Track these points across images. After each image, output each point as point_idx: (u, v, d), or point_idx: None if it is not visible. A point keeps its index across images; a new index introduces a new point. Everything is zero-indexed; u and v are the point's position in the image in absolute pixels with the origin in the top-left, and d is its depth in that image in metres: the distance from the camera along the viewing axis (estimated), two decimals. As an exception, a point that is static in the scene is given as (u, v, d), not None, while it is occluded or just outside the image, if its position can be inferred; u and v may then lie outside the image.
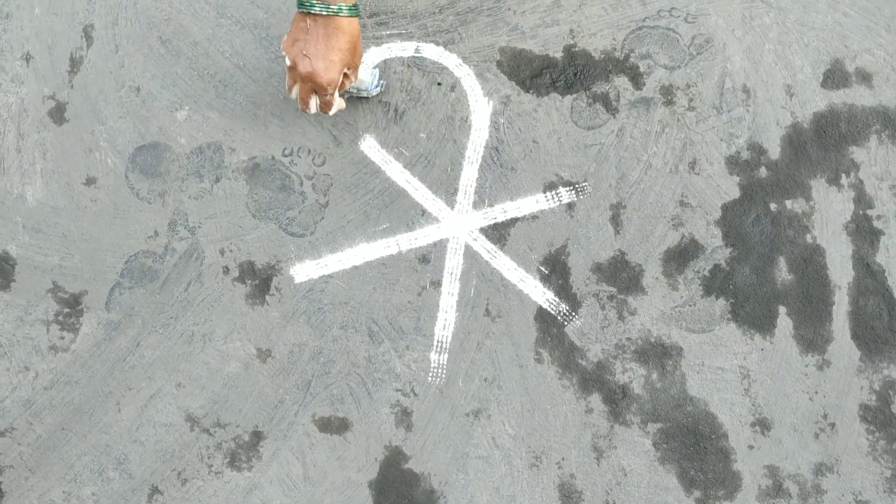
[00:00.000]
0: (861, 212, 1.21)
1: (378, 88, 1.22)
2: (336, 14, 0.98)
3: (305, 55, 1.00)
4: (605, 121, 1.24)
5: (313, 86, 1.02)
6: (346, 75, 1.06)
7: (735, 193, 1.22)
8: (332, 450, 1.10)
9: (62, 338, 1.14)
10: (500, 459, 1.10)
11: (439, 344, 1.15)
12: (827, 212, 1.21)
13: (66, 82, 1.25)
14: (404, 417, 1.12)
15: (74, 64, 1.26)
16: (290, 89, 1.04)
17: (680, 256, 1.19)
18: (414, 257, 1.18)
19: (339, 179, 1.21)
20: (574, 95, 1.25)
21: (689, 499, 1.09)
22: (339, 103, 1.08)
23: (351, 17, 0.99)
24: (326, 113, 1.06)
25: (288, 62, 1.02)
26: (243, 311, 1.16)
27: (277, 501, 1.09)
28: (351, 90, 1.19)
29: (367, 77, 1.19)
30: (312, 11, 0.98)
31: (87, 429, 1.11)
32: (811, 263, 1.19)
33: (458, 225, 1.20)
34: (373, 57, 1.24)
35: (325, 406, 1.12)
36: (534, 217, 1.20)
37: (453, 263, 1.19)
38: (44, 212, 1.20)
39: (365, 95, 1.21)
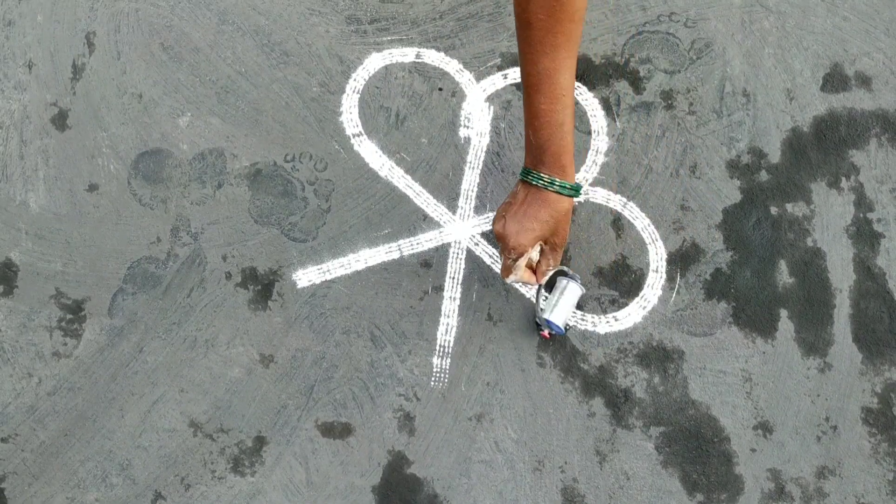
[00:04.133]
0: (861, 215, 1.21)
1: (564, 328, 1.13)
2: (546, 187, 0.98)
3: (503, 215, 1.01)
4: (606, 125, 1.25)
5: (502, 247, 1.02)
6: (543, 252, 1.04)
7: (736, 197, 1.22)
8: (335, 455, 1.10)
9: (65, 344, 1.15)
10: (503, 464, 1.11)
11: (441, 348, 1.15)
12: (827, 215, 1.21)
13: (69, 89, 1.25)
14: (407, 422, 1.12)
15: (77, 71, 1.26)
16: (501, 252, 1.04)
17: (681, 260, 1.19)
18: (416, 262, 1.19)
19: (341, 185, 1.22)
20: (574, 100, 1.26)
21: (692, 502, 1.09)
22: (521, 274, 1.04)
23: (561, 194, 0.98)
24: (505, 279, 1.05)
25: (493, 217, 1.05)
26: (246, 316, 1.16)
27: (281, 507, 1.10)
28: (541, 320, 1.13)
29: (560, 319, 1.11)
30: (526, 180, 1.00)
31: (90, 435, 1.11)
32: (812, 267, 1.19)
33: (459, 230, 1.20)
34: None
35: (327, 411, 1.12)
36: (535, 221, 1.21)
37: (455, 268, 1.19)
38: (46, 218, 1.20)
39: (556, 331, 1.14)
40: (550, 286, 1.13)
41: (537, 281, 1.07)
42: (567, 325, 1.14)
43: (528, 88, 0.95)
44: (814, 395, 1.14)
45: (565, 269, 1.13)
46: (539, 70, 0.93)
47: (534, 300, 1.14)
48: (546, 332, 1.14)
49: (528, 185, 0.99)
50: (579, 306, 1.17)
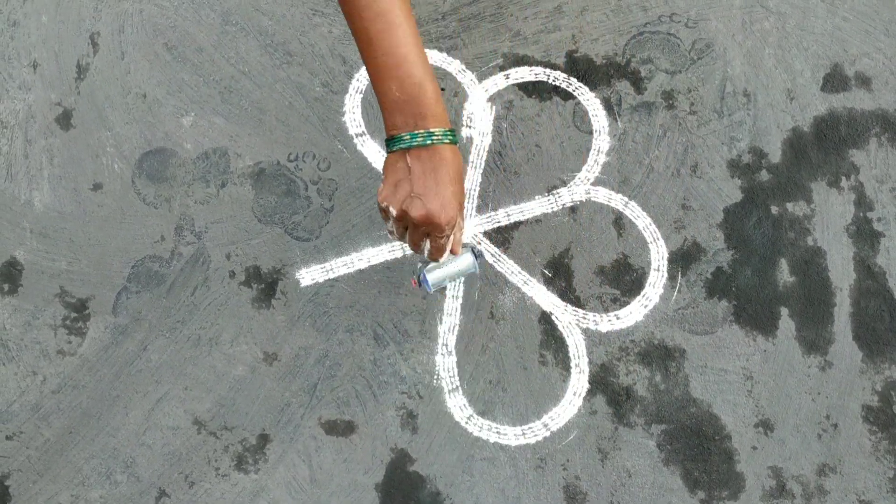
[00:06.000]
0: (861, 214, 1.22)
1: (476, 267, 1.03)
2: (440, 142, 0.83)
3: (415, 196, 0.84)
4: (607, 125, 1.26)
5: (428, 229, 0.86)
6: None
7: (737, 196, 1.23)
8: (338, 452, 1.11)
9: (69, 342, 1.15)
10: (506, 461, 1.11)
11: (444, 347, 1.16)
12: (828, 214, 1.22)
13: (73, 89, 1.26)
14: (410, 420, 1.12)
15: (81, 71, 1.27)
16: (400, 237, 0.90)
17: (682, 259, 1.20)
18: (419, 261, 1.19)
19: (344, 184, 1.22)
20: (576, 100, 1.27)
21: (694, 499, 1.10)
22: (457, 241, 0.92)
23: (453, 143, 0.85)
24: (436, 260, 0.91)
25: (394, 212, 0.86)
26: (249, 314, 1.16)
27: (284, 504, 1.10)
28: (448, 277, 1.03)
29: (435, 279, 1.02)
30: (413, 145, 0.83)
31: (94, 432, 1.12)
32: (812, 265, 1.20)
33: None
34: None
35: (331, 409, 1.13)
36: (537, 220, 1.21)
37: (457, 267, 1.19)
38: (51, 217, 1.21)
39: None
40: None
41: (454, 251, 0.93)
42: (442, 287, 1.03)
43: (375, 37, 0.82)
44: (814, 394, 1.15)
45: (474, 244, 1.05)
46: (381, 9, 0.81)
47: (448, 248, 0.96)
48: (415, 280, 1.02)
49: (418, 150, 0.84)
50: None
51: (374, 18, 0.82)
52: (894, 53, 1.28)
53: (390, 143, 0.85)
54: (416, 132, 0.83)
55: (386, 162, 0.86)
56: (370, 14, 0.82)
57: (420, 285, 1.02)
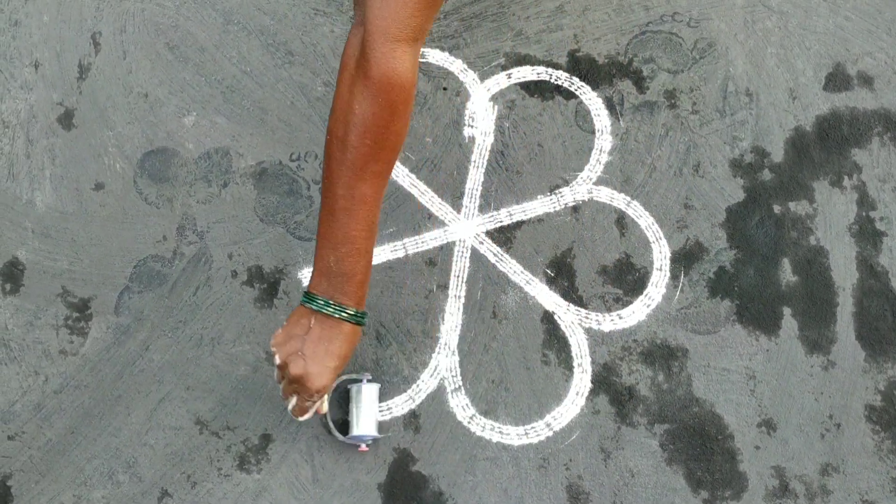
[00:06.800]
0: (864, 213, 1.22)
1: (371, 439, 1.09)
2: (346, 320, 0.90)
3: (301, 356, 0.90)
4: (609, 124, 1.26)
5: (299, 389, 0.92)
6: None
7: (739, 196, 1.23)
8: (340, 452, 1.11)
9: (71, 342, 1.15)
10: (508, 461, 1.11)
11: (446, 346, 1.16)
12: (830, 214, 1.22)
13: (75, 89, 1.26)
14: (412, 420, 1.12)
15: (83, 70, 1.27)
16: (278, 380, 0.95)
17: (685, 258, 1.20)
18: (421, 261, 1.19)
19: (346, 184, 1.22)
20: (578, 99, 1.27)
21: (697, 499, 1.10)
22: (321, 406, 0.98)
23: (358, 324, 0.91)
24: (296, 418, 0.96)
25: (277, 360, 0.92)
26: (252, 314, 1.16)
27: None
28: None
29: (371, 427, 1.07)
30: (324, 311, 0.89)
31: (96, 432, 1.12)
32: (815, 265, 1.20)
33: (464, 228, 1.21)
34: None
35: (333, 408, 1.13)
36: (539, 220, 1.21)
37: (460, 266, 1.19)
38: (53, 217, 1.20)
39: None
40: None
41: (320, 412, 0.99)
42: (379, 423, 1.09)
43: (337, 213, 0.87)
44: (817, 393, 1.15)
45: (347, 375, 1.10)
46: (355, 196, 0.86)
47: (326, 427, 1.09)
48: (364, 447, 1.08)
49: (322, 317, 0.90)
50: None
51: (346, 196, 0.86)
52: (897, 53, 1.28)
53: (306, 297, 0.91)
54: (331, 302, 0.89)
55: (294, 312, 0.93)
56: (343, 191, 0.86)
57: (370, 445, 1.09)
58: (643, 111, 1.26)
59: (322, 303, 0.90)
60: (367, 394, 1.07)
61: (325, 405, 1.00)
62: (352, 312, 0.90)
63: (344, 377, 1.10)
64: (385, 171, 0.88)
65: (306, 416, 0.95)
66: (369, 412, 1.07)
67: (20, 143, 1.24)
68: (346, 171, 0.85)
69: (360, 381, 1.09)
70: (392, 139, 0.85)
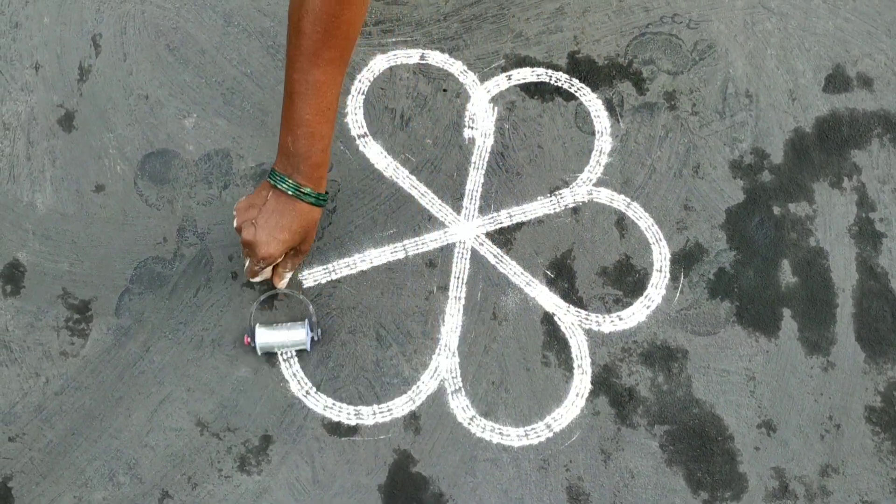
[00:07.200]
0: (864, 215, 1.22)
1: (309, 341, 1.12)
2: (300, 198, 0.99)
3: (253, 224, 1.00)
4: (609, 125, 1.26)
5: (250, 252, 1.03)
6: (287, 255, 1.06)
7: (739, 197, 1.23)
8: (341, 453, 1.11)
9: (72, 343, 1.15)
10: (509, 462, 1.11)
11: (446, 348, 1.16)
12: (830, 215, 1.22)
13: (75, 90, 1.26)
14: (412, 421, 1.12)
15: (83, 72, 1.27)
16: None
17: (685, 260, 1.20)
18: (421, 262, 1.19)
19: (346, 185, 1.22)
20: (578, 101, 1.27)
21: (697, 500, 1.10)
22: (278, 281, 1.10)
23: (315, 205, 1.01)
24: (249, 279, 1.07)
25: (235, 223, 1.03)
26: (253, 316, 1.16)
27: (287, 505, 1.10)
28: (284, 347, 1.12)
29: (301, 335, 1.10)
30: (279, 187, 0.99)
31: (97, 434, 1.12)
32: (815, 266, 1.20)
33: (464, 230, 1.21)
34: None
35: (334, 410, 1.13)
36: (539, 221, 1.21)
37: (460, 268, 1.19)
38: (53, 219, 1.21)
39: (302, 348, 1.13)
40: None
41: (276, 284, 1.09)
42: (268, 351, 1.12)
43: (294, 96, 0.95)
44: (817, 394, 1.15)
45: (313, 320, 1.12)
46: (308, 80, 0.93)
47: (254, 304, 1.12)
48: (248, 339, 1.11)
49: (278, 192, 0.99)
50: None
51: (301, 81, 0.93)
52: (896, 54, 1.28)
53: (271, 173, 1.00)
54: (288, 179, 0.99)
55: (260, 185, 1.03)
56: (298, 76, 0.93)
57: (251, 344, 1.11)
58: (643, 113, 1.26)
59: (278, 178, 0.99)
60: (294, 334, 1.10)
61: (283, 281, 1.10)
62: (305, 192, 0.99)
63: (310, 313, 1.11)
64: (338, 59, 0.93)
65: (257, 279, 1.08)
66: (279, 337, 1.10)
67: (21, 145, 1.24)
68: (301, 57, 0.92)
69: (310, 326, 1.11)
70: (343, 28, 0.90)
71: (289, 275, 1.11)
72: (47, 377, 1.14)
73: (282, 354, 1.14)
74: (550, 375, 1.15)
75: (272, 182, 1.00)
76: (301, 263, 1.14)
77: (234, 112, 1.26)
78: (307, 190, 0.99)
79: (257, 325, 1.11)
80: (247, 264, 1.06)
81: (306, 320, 1.12)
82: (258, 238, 1.00)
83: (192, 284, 1.18)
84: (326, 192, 1.02)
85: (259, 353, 1.11)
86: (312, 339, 1.12)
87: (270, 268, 1.08)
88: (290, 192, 0.99)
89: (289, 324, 1.11)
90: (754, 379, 1.15)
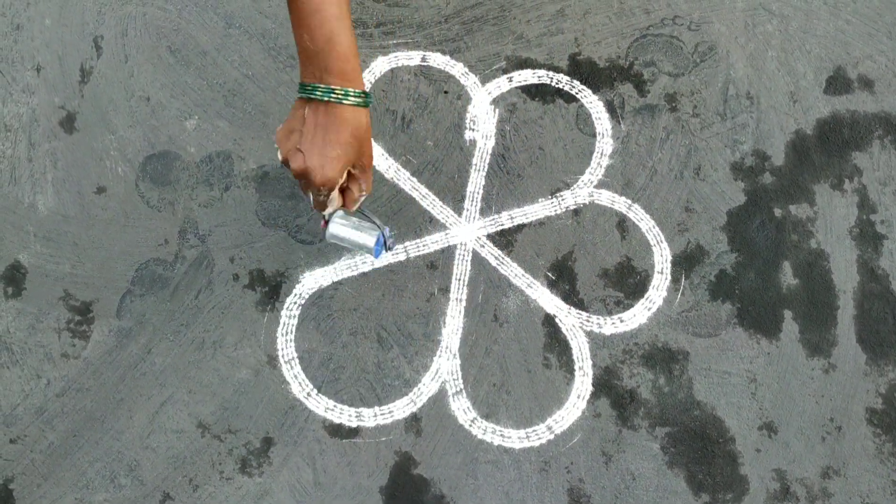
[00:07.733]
0: (864, 216, 1.22)
1: (384, 252, 1.02)
2: (339, 101, 0.83)
3: (299, 149, 0.84)
4: (610, 127, 1.26)
5: (306, 184, 0.87)
6: (351, 175, 0.91)
7: (740, 199, 1.23)
8: (342, 455, 1.11)
9: (73, 345, 1.15)
10: (510, 464, 1.11)
11: (448, 349, 1.16)
12: (831, 217, 1.22)
13: (77, 92, 1.26)
14: (414, 423, 1.12)
15: (84, 74, 1.27)
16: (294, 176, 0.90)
17: (686, 261, 1.20)
18: (422, 264, 1.19)
19: (348, 187, 1.22)
20: (579, 103, 1.27)
21: (698, 502, 1.10)
22: (335, 203, 0.92)
23: (357, 105, 0.84)
24: (321, 211, 0.92)
25: (280, 157, 0.87)
26: (253, 317, 1.17)
27: (288, 507, 1.10)
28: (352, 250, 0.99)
29: (370, 242, 0.99)
30: (313, 97, 0.83)
31: (98, 436, 1.12)
32: (816, 268, 1.20)
33: (465, 231, 1.21)
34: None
35: (335, 412, 1.13)
36: (540, 223, 1.21)
37: (461, 270, 1.19)
38: (55, 220, 1.21)
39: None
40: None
41: (349, 208, 0.93)
42: (341, 245, 1.00)
43: None
44: (818, 396, 1.15)
45: (389, 233, 1.02)
46: None
47: (331, 206, 0.95)
48: (324, 223, 0.98)
49: (316, 104, 0.84)
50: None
51: None
52: (897, 56, 1.28)
53: (300, 88, 0.84)
54: (317, 85, 0.83)
55: (294, 105, 0.86)
56: None
57: (326, 226, 0.99)
58: (644, 114, 1.26)
59: (309, 88, 0.83)
60: (366, 237, 0.98)
61: (356, 204, 0.94)
62: (342, 93, 0.83)
63: (383, 227, 1.00)
64: None
65: (328, 210, 0.92)
66: (353, 234, 0.98)
67: (22, 147, 1.24)
68: None
69: (385, 237, 1.00)
70: None
71: (362, 197, 0.95)
72: (49, 379, 1.14)
73: (282, 356, 1.14)
74: (552, 377, 1.15)
75: (304, 96, 0.84)
76: (371, 180, 0.96)
77: (235, 114, 1.26)
78: (346, 90, 0.83)
79: (337, 212, 0.98)
80: (310, 197, 0.91)
81: (380, 231, 0.99)
82: (310, 164, 0.84)
83: (193, 286, 1.18)
84: (369, 91, 0.86)
85: (327, 239, 0.99)
86: (385, 244, 1.00)
87: (338, 193, 0.91)
88: (326, 99, 0.83)
89: (367, 224, 0.99)
90: (755, 381, 1.15)
